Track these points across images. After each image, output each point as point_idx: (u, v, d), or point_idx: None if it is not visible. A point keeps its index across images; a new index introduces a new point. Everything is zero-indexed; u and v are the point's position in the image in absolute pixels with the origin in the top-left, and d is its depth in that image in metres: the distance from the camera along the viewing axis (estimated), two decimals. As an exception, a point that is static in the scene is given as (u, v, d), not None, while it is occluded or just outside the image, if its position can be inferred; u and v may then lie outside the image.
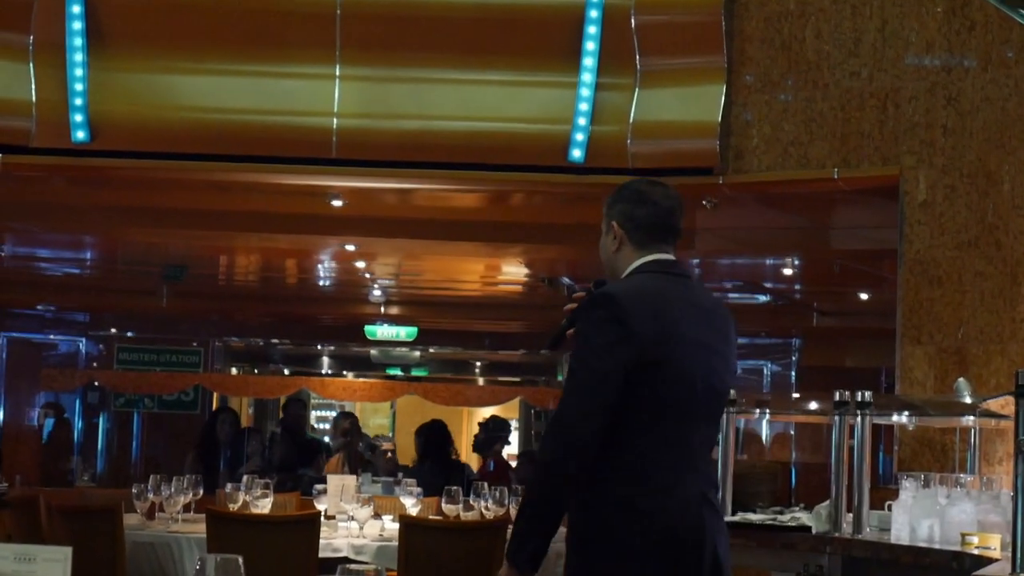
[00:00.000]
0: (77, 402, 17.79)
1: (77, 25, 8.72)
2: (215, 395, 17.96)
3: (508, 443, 16.39)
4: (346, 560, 7.38)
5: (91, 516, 8.30)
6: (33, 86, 8.71)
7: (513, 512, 8.20)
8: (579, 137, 8.76)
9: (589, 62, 8.75)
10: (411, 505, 8.60)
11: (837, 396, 6.64)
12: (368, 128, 8.95)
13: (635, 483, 4.10)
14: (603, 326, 4.12)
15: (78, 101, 8.72)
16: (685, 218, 9.43)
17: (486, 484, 8.68)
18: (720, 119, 8.55)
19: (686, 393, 4.14)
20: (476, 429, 15.15)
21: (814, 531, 6.66)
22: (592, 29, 8.75)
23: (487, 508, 8.32)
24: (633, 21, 8.72)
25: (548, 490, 4.13)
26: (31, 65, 8.71)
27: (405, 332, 17.78)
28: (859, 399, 6.55)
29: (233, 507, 8.37)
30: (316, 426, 21.12)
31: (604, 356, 4.09)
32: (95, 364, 17.74)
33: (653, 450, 4.11)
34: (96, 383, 17.34)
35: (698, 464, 4.20)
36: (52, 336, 17.76)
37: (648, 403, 4.10)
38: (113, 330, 17.84)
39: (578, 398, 4.10)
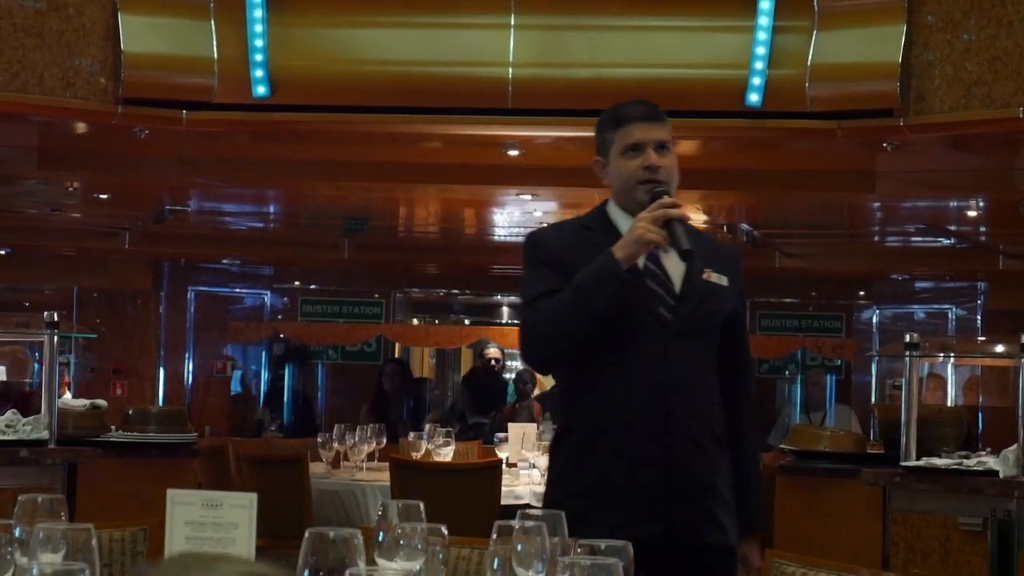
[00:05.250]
0: (263, 354, 18.10)
1: (256, -19, 8.83)
2: (397, 346, 18.15)
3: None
4: (528, 507, 7.44)
5: (278, 465, 8.47)
6: (215, 43, 8.85)
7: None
8: (756, 81, 8.67)
9: (766, 5, 8.65)
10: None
11: (1023, 339, 6.53)
12: (543, 77, 8.95)
13: None
14: None
15: (258, 57, 8.84)
16: (866, 160, 9.26)
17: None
18: (901, 60, 8.41)
19: None
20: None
21: (1001, 475, 6.56)
22: (768, -29, 8.65)
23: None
24: (810, -38, 8.60)
25: None
26: (212, 22, 8.85)
27: (584, 281, 17.77)
28: (1047, 342, 6.43)
29: (416, 455, 8.48)
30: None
31: None
32: (280, 316, 18.01)
33: None
34: (281, 335, 17.62)
35: None
36: (238, 290, 18.05)
37: None
38: (297, 283, 18.09)
39: None
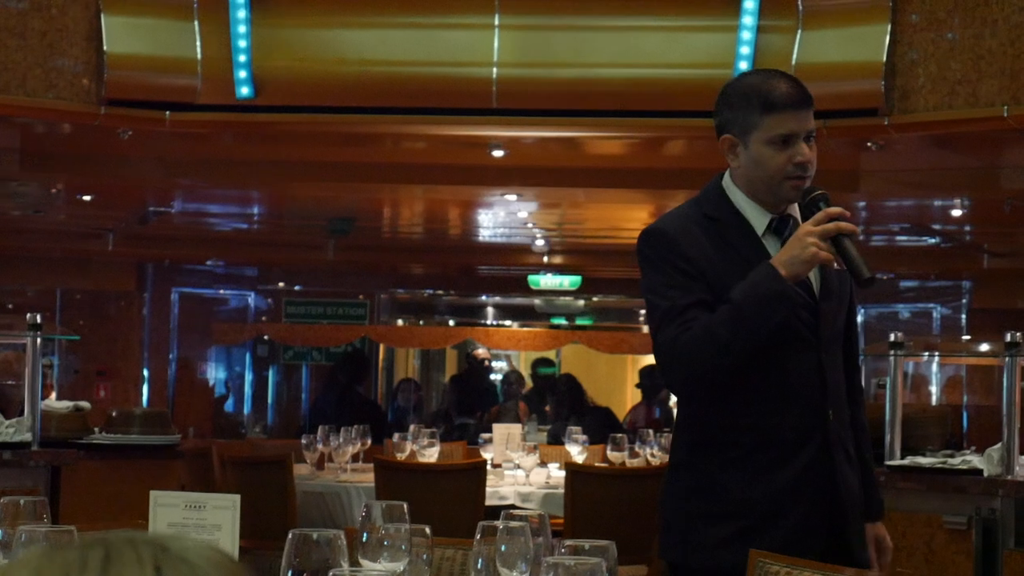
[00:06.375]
0: (247, 356, 18.07)
1: (239, -18, 8.82)
2: (381, 347, 18.14)
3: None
4: (512, 507, 7.43)
5: (262, 467, 8.45)
6: (198, 44, 8.83)
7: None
8: (741, 81, 8.66)
9: (750, 4, 8.65)
10: (577, 453, 8.62)
11: (1008, 337, 6.53)
12: (528, 77, 8.94)
13: None
14: None
15: (242, 57, 8.82)
16: (850, 159, 9.27)
17: (651, 431, 8.68)
18: (885, 59, 8.41)
19: None
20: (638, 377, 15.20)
21: (986, 474, 6.56)
22: (752, -29, 8.65)
23: (652, 455, 8.32)
24: (794, -39, 8.61)
25: None
26: (195, 23, 8.83)
27: (568, 281, 17.79)
28: (1031, 340, 6.44)
29: (401, 456, 8.46)
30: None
31: None
32: (264, 318, 17.99)
33: None
34: (265, 336, 17.60)
35: None
36: (222, 291, 18.03)
37: None
38: (281, 284, 18.07)
39: None
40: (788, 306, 3.67)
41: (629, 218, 13.46)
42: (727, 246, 3.81)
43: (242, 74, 8.80)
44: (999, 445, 6.59)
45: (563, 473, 7.82)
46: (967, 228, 13.19)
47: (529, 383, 16.42)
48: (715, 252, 3.79)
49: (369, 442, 8.72)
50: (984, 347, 7.29)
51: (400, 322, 19.42)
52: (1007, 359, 6.54)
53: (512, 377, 16.12)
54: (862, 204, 11.62)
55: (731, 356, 3.68)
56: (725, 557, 3.72)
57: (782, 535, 3.75)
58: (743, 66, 8.65)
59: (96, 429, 8.49)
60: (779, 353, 3.76)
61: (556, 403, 13.29)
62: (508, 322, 20.00)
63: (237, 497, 3.17)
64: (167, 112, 8.79)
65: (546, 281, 17.73)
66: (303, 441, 8.63)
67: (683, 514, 3.88)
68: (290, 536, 2.62)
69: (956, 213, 11.92)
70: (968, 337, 13.17)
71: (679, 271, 3.77)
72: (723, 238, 3.83)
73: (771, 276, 3.65)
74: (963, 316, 16.57)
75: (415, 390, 16.23)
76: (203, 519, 3.14)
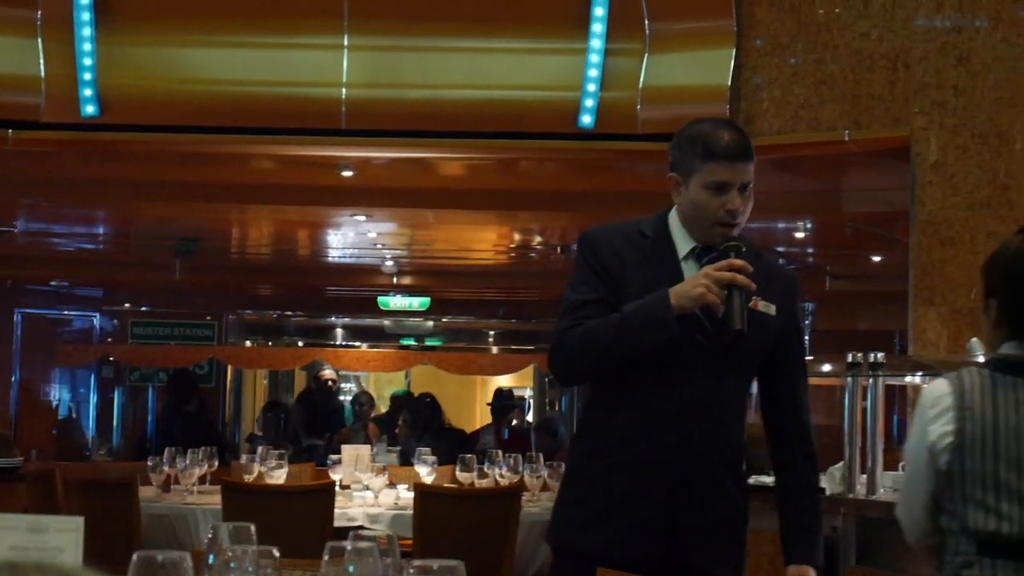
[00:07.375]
0: (92, 377, 17.82)
1: (84, -1, 8.72)
2: (229, 368, 17.99)
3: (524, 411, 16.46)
4: (361, 529, 7.39)
5: (107, 489, 8.32)
6: (42, 61, 8.71)
7: (528, 479, 8.20)
8: (589, 103, 8.75)
9: (598, 28, 8.73)
10: (426, 474, 8.61)
11: (850, 358, 6.64)
12: (377, 98, 8.94)
13: None
14: None
15: (87, 75, 8.72)
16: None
17: (500, 452, 8.70)
18: (730, 83, 8.53)
19: None
20: (490, 398, 15.25)
21: (828, 492, 6.66)
22: (600, -6, 8.73)
23: (501, 476, 8.33)
24: (641, -14, 8.70)
25: None
26: (39, 40, 8.71)
27: (418, 302, 17.79)
28: (872, 360, 6.55)
29: (248, 478, 8.39)
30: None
31: None
32: (109, 339, 17.76)
33: None
34: (111, 358, 17.37)
35: None
36: (66, 312, 17.78)
37: None
38: (127, 305, 17.86)
39: None
40: (667, 332, 3.84)
41: (478, 239, 13.50)
42: (645, 261, 4.02)
43: (87, 92, 8.70)
44: (841, 464, 6.70)
45: (412, 494, 7.80)
46: (810, 250, 13.41)
47: (380, 408, 16.39)
48: (633, 263, 4.02)
49: (216, 464, 8.63)
50: (826, 367, 7.40)
51: (248, 343, 19.28)
52: (849, 379, 6.65)
53: (362, 399, 16.06)
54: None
55: (607, 361, 3.94)
56: (574, 538, 4.02)
57: (623, 526, 3.97)
58: (591, 88, 8.73)
59: (-65, 452, 8.32)
60: (652, 366, 3.92)
61: (413, 422, 13.25)
62: (357, 343, 19.94)
63: (80, 519, 3.11)
64: (9, 130, 8.67)
65: (395, 302, 17.71)
66: (149, 463, 8.51)
67: (559, 498, 4.19)
68: (134, 558, 2.58)
69: (799, 235, 12.11)
70: (811, 357, 13.36)
71: (592, 271, 4.04)
72: (645, 253, 4.04)
73: (661, 303, 3.86)
74: (806, 337, 16.82)
75: (272, 410, 16.05)
76: (45, 542, 3.09)
